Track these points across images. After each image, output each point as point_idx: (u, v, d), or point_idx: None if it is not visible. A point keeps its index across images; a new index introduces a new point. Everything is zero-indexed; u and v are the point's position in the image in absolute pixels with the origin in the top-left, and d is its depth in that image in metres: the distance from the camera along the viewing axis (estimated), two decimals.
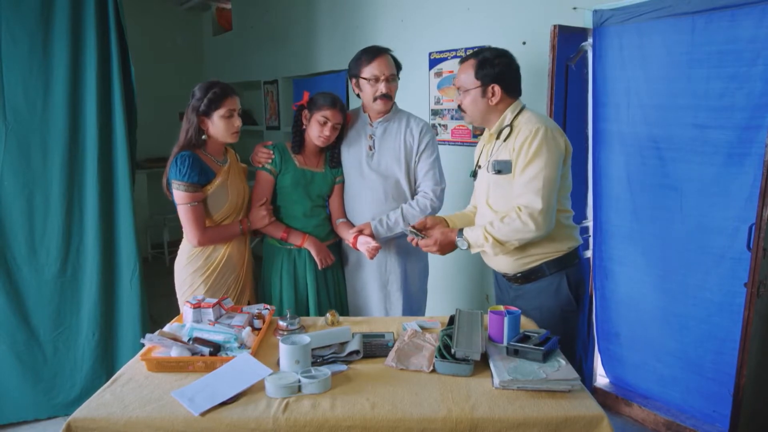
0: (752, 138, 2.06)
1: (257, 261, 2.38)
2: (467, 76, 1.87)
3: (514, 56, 1.89)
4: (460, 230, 1.88)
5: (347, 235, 2.27)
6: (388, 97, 2.23)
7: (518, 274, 1.91)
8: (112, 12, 2.57)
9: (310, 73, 4.46)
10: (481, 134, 3.01)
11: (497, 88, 1.84)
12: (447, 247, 1.92)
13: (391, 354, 1.62)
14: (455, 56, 3.09)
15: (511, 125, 1.86)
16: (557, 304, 1.85)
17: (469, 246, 1.86)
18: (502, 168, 1.83)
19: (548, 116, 1.92)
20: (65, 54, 2.52)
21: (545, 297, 1.86)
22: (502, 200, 1.86)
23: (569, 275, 1.87)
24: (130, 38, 2.66)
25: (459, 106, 1.95)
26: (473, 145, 3.08)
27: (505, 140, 1.85)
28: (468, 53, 1.92)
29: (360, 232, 2.23)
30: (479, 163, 2.02)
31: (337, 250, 2.45)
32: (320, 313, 2.29)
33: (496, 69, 1.83)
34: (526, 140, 1.76)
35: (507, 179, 1.83)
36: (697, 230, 2.28)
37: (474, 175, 2.04)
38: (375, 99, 2.23)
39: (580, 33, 2.50)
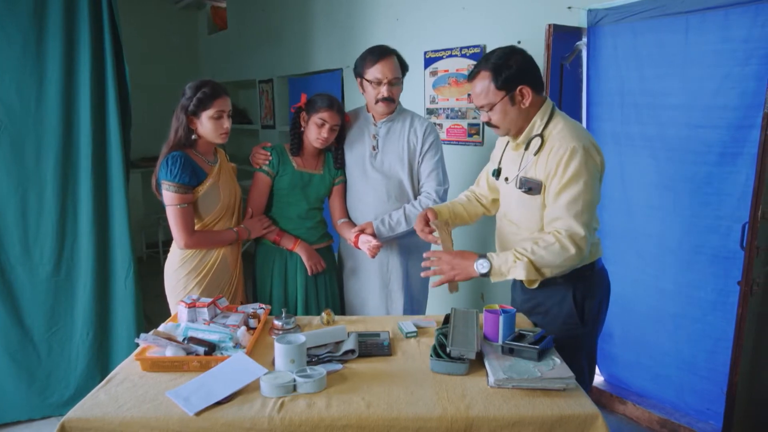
0: (745, 137, 2.07)
1: (250, 259, 2.38)
2: (486, 92, 1.68)
3: (522, 48, 1.72)
4: (483, 254, 1.68)
5: (349, 235, 2.27)
6: (390, 100, 2.22)
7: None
8: (106, 11, 2.56)
9: (305, 72, 4.45)
10: (477, 134, 3.03)
11: (526, 90, 1.66)
12: (459, 267, 1.68)
13: None
14: (451, 55, 3.09)
15: (542, 135, 1.69)
16: (560, 314, 1.78)
17: (490, 271, 1.64)
18: (532, 187, 1.69)
19: (581, 124, 1.78)
20: (59, 53, 2.51)
21: (550, 304, 1.79)
22: (527, 218, 1.76)
23: (576, 288, 1.75)
24: (125, 37, 2.65)
25: (488, 124, 1.76)
26: (469, 144, 3.09)
27: (536, 154, 1.69)
28: (473, 67, 1.74)
29: (362, 231, 2.23)
30: (505, 174, 1.84)
31: (330, 253, 2.45)
32: (307, 314, 2.29)
33: (514, 69, 1.65)
34: (561, 160, 1.60)
35: (535, 200, 1.70)
36: (690, 229, 2.29)
37: (497, 175, 1.89)
38: (377, 102, 2.22)
39: (574, 32, 2.51)
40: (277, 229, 2.30)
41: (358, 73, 2.25)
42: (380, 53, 2.20)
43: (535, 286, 1.74)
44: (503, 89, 1.67)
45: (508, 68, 1.65)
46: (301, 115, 2.26)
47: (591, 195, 1.62)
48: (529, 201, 1.73)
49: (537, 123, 1.72)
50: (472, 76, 1.73)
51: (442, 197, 2.28)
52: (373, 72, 2.19)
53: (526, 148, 1.74)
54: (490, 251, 1.71)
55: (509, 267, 1.63)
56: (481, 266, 1.65)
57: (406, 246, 2.35)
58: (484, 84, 1.69)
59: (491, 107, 1.70)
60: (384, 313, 2.36)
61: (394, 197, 2.30)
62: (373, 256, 2.21)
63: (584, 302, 1.77)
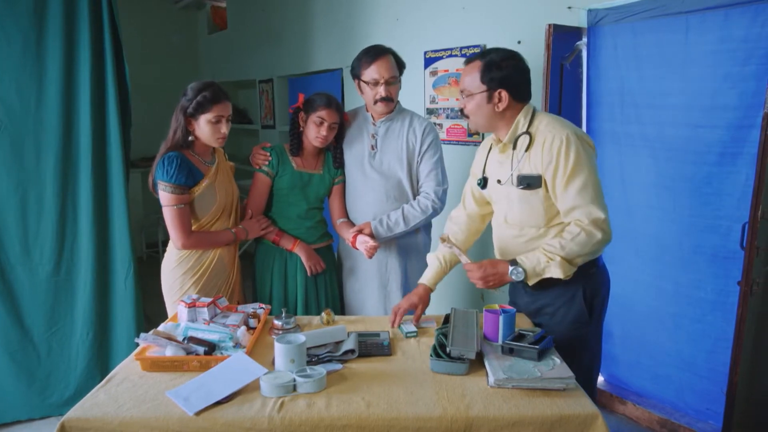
0: (745, 137, 2.07)
1: (250, 259, 2.38)
2: (472, 79, 1.73)
3: (523, 58, 1.76)
4: (513, 260, 1.69)
5: (347, 235, 2.27)
6: (388, 100, 2.22)
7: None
8: (106, 10, 2.56)
9: (305, 72, 4.45)
10: (477, 134, 3.03)
11: (504, 94, 1.71)
12: (493, 279, 1.70)
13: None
14: (450, 55, 3.09)
15: (529, 132, 1.73)
16: (569, 314, 1.77)
17: (525, 276, 1.67)
18: (531, 182, 1.71)
19: (562, 117, 1.82)
20: (59, 53, 2.50)
21: (558, 305, 1.78)
22: (529, 215, 1.76)
23: (585, 286, 1.75)
24: (125, 37, 2.65)
25: (461, 111, 1.82)
26: (469, 144, 3.09)
27: (526, 150, 1.72)
28: (474, 53, 1.78)
29: (359, 231, 2.23)
30: (496, 178, 1.84)
31: (330, 253, 2.45)
32: (307, 314, 2.29)
33: (504, 72, 1.70)
34: (560, 151, 1.64)
35: (536, 194, 1.72)
36: (690, 229, 2.29)
37: (483, 184, 1.89)
38: (376, 102, 2.22)
39: (574, 32, 2.51)
40: (276, 229, 2.30)
41: (355, 74, 2.25)
42: (376, 53, 2.19)
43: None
44: (485, 85, 1.72)
45: (498, 69, 1.70)
46: (300, 115, 2.26)
47: (597, 178, 1.67)
48: (530, 196, 1.74)
49: (521, 122, 1.75)
50: (467, 61, 1.79)
51: (441, 197, 2.27)
52: (370, 73, 2.18)
53: (514, 147, 1.76)
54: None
55: (543, 267, 1.66)
56: (516, 274, 1.67)
57: (405, 246, 2.35)
58: (473, 73, 1.74)
59: (469, 96, 1.76)
60: (383, 313, 2.36)
61: (393, 197, 2.30)
62: (370, 257, 2.20)
63: (593, 300, 1.78)
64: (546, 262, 1.65)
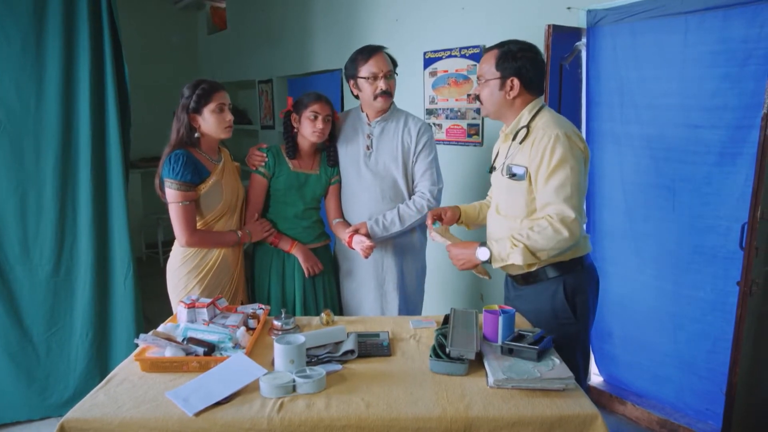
0: (744, 137, 2.07)
1: (248, 260, 2.38)
2: (488, 66, 1.81)
3: (541, 51, 1.82)
4: (484, 242, 1.77)
5: (343, 235, 2.27)
6: (388, 94, 2.23)
7: (518, 275, 1.88)
8: (106, 11, 2.56)
9: (304, 72, 4.45)
10: (476, 134, 3.04)
11: (516, 82, 1.77)
12: (462, 258, 1.81)
13: None
14: (450, 56, 3.09)
15: (528, 127, 1.78)
16: (552, 310, 1.81)
17: (490, 258, 1.75)
18: (516, 173, 1.77)
19: (565, 117, 1.86)
20: (58, 53, 2.51)
21: (541, 301, 1.82)
22: (513, 206, 1.81)
23: (566, 282, 1.79)
24: (124, 37, 2.65)
25: (477, 97, 1.88)
26: (468, 144, 3.09)
27: (521, 142, 1.79)
28: (495, 44, 1.85)
29: (356, 231, 2.23)
30: (495, 165, 1.94)
31: (328, 252, 2.45)
32: (305, 314, 2.30)
33: (518, 62, 1.76)
34: (546, 147, 1.69)
35: (521, 185, 1.77)
36: (689, 229, 2.29)
37: (491, 171, 1.97)
38: (375, 97, 2.22)
39: (574, 32, 2.51)
40: (275, 232, 2.30)
41: (351, 74, 2.26)
42: (370, 51, 2.22)
43: (534, 269, 1.79)
44: (498, 72, 1.79)
45: (513, 59, 1.77)
46: (292, 117, 2.27)
47: (578, 179, 1.70)
48: (515, 187, 1.79)
49: (524, 115, 1.81)
50: (487, 50, 1.86)
51: (437, 197, 2.28)
52: (368, 68, 2.20)
53: (514, 138, 1.82)
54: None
55: (507, 252, 1.72)
56: (481, 254, 1.76)
57: (401, 246, 2.35)
58: (490, 60, 1.82)
59: (484, 82, 1.83)
60: (380, 313, 2.36)
61: (388, 197, 2.30)
62: (367, 257, 2.21)
63: (575, 297, 1.81)
64: (510, 248, 1.70)
